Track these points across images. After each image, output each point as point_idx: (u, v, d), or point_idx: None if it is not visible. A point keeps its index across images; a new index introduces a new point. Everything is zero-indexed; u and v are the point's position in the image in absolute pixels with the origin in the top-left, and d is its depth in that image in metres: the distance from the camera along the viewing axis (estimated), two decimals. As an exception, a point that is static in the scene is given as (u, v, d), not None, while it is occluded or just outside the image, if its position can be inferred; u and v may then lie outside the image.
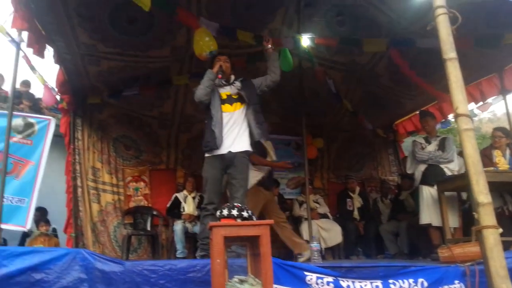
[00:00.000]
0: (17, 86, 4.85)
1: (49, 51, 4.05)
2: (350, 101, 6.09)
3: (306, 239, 4.70)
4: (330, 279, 2.83)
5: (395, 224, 5.59)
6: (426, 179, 4.36)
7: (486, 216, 2.00)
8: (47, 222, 5.65)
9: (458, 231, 4.05)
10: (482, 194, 2.01)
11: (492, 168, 3.73)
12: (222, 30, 3.93)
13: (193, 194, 5.70)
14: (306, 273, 2.83)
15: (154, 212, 5.76)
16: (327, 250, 5.35)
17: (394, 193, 6.44)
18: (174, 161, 6.41)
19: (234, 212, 2.38)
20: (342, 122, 6.87)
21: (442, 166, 4.31)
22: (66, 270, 2.72)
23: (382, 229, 5.73)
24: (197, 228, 5.28)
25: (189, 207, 5.56)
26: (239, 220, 2.35)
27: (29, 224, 4.95)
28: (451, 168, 4.31)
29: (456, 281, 2.92)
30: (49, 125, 5.13)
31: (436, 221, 4.16)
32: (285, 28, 4.58)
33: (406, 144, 7.79)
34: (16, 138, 4.85)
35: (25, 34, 3.72)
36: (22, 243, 5.80)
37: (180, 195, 5.71)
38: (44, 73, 5.10)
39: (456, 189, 4.01)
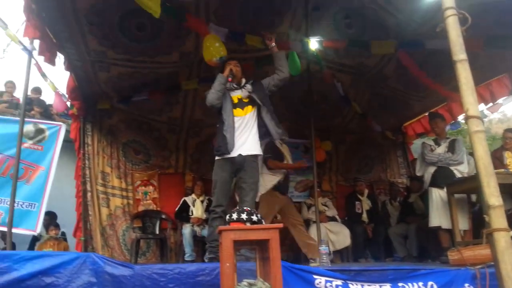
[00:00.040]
0: (28, 93, 4.92)
1: (60, 58, 4.11)
2: (358, 104, 6.08)
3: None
4: (339, 282, 2.82)
5: (404, 227, 5.56)
6: (436, 181, 4.33)
7: (497, 218, 1.98)
8: (57, 226, 5.70)
9: (468, 233, 4.02)
10: (493, 196, 1.99)
11: (503, 170, 3.69)
12: (231, 35, 3.94)
13: (201, 198, 5.73)
14: (315, 276, 2.82)
15: (163, 216, 5.79)
16: (336, 253, 5.32)
17: (403, 195, 6.41)
18: (182, 165, 6.45)
19: (244, 216, 2.39)
20: (351, 124, 6.85)
21: (451, 168, 4.29)
22: (76, 274, 2.74)
23: (391, 231, 5.70)
24: (205, 232, 5.30)
25: (197, 210, 5.58)
26: (248, 224, 2.36)
27: (39, 228, 5.01)
28: (461, 170, 4.28)
29: (466, 284, 2.89)
30: (60, 130, 5.21)
31: (445, 224, 4.13)
32: (293, 31, 4.58)
33: (415, 146, 7.74)
34: (27, 144, 4.93)
35: (36, 42, 3.80)
36: (31, 247, 5.86)
37: (188, 199, 5.73)
38: (55, 80, 5.16)
39: (466, 191, 3.97)
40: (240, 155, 3.52)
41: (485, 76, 5.45)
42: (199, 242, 5.54)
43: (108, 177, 5.72)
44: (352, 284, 2.83)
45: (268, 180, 4.42)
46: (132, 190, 5.99)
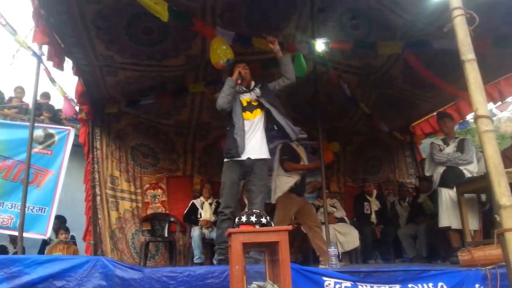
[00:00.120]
0: (38, 98, 4.97)
1: (68, 63, 4.15)
2: (365, 104, 6.06)
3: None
4: (348, 284, 2.81)
5: (414, 227, 5.52)
6: (445, 181, 4.30)
7: (509, 218, 1.96)
8: (67, 230, 5.75)
9: (478, 233, 3.98)
10: (504, 196, 1.97)
11: (513, 169, 3.65)
12: (238, 38, 3.96)
13: (210, 200, 5.75)
14: (324, 278, 2.82)
15: (172, 219, 5.82)
16: (344, 254, 5.30)
17: (412, 196, 6.37)
18: (190, 168, 6.47)
19: (253, 218, 2.40)
20: (358, 125, 6.83)
21: (461, 167, 4.25)
22: (86, 277, 2.76)
23: (400, 232, 5.67)
24: (214, 234, 5.31)
25: (206, 213, 5.60)
26: (257, 227, 2.36)
27: (49, 233, 5.06)
28: (470, 169, 4.25)
29: (477, 285, 2.87)
30: (69, 135, 5.26)
31: (455, 224, 4.09)
32: (299, 33, 4.59)
33: (424, 146, 7.69)
34: (37, 148, 4.98)
35: (45, 48, 3.84)
36: (41, 251, 5.91)
37: (197, 202, 5.76)
38: (63, 85, 5.22)
39: (475, 191, 3.94)
40: (249, 158, 3.53)
41: (494, 75, 5.41)
42: (207, 245, 5.56)
43: (117, 180, 5.76)
44: (362, 286, 2.82)
45: (285, 182, 4.42)
46: (141, 193, 6.03)
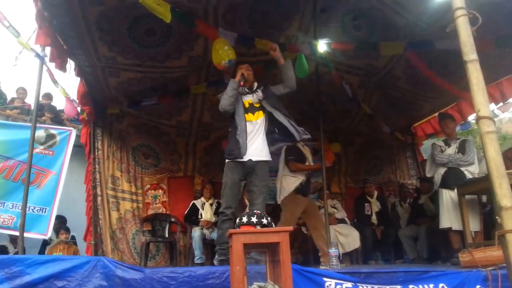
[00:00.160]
0: (40, 99, 4.99)
1: (70, 65, 4.15)
2: (367, 105, 6.06)
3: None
4: (349, 284, 2.81)
5: (414, 229, 5.52)
6: (446, 182, 4.29)
7: (510, 220, 1.96)
8: (67, 230, 5.75)
9: (479, 235, 3.97)
10: (505, 197, 1.97)
11: (515, 171, 3.65)
12: (240, 39, 3.96)
13: (210, 201, 5.75)
14: (325, 279, 2.82)
15: (172, 219, 5.82)
16: (345, 255, 5.30)
17: (413, 197, 6.36)
18: (192, 169, 6.48)
19: (254, 219, 2.40)
20: (359, 126, 6.83)
21: (462, 169, 4.25)
22: (87, 277, 2.76)
23: (401, 233, 5.66)
24: (214, 235, 5.32)
25: (206, 213, 5.60)
26: (258, 227, 2.36)
27: (49, 233, 5.07)
28: (472, 171, 4.24)
29: (478, 286, 2.86)
30: (70, 135, 5.27)
31: (456, 225, 4.09)
32: (301, 34, 4.59)
33: (425, 147, 7.69)
34: (38, 149, 4.99)
35: (47, 50, 3.85)
36: (42, 251, 5.92)
37: (197, 202, 5.76)
38: (65, 86, 5.23)
39: (476, 192, 3.93)
40: (251, 160, 3.54)
41: (495, 75, 5.40)
42: (208, 245, 5.56)
43: (118, 181, 5.77)
44: (362, 287, 2.81)
45: (290, 183, 4.42)
46: (142, 193, 6.04)
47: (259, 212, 2.50)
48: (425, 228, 5.20)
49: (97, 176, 5.47)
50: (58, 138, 5.21)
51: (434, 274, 2.95)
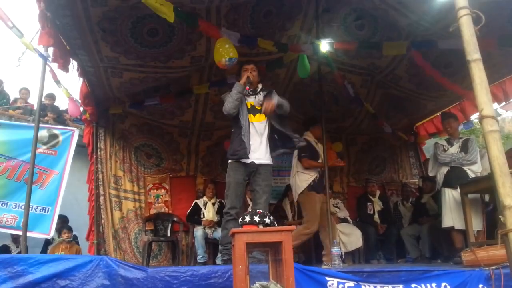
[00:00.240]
0: (43, 99, 5.00)
1: (73, 65, 4.16)
2: (369, 105, 6.05)
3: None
4: (352, 284, 2.81)
5: (417, 228, 5.52)
6: (449, 182, 4.29)
7: (513, 219, 1.96)
8: (70, 230, 5.77)
9: (482, 234, 3.96)
10: (508, 196, 1.97)
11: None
12: (243, 39, 3.96)
13: (213, 200, 5.76)
14: (327, 278, 2.82)
15: (175, 219, 5.83)
16: (347, 254, 5.30)
17: (415, 196, 6.36)
18: (194, 168, 6.48)
19: (256, 218, 2.40)
20: (362, 125, 6.82)
21: (464, 168, 4.24)
22: (90, 276, 2.78)
23: (403, 232, 5.66)
24: (217, 234, 5.33)
25: (209, 213, 5.60)
26: (261, 226, 2.37)
27: (52, 232, 5.09)
28: (474, 170, 4.23)
29: (481, 285, 2.85)
30: (73, 135, 5.30)
31: (459, 224, 4.08)
32: (303, 34, 4.58)
33: (428, 146, 7.67)
34: (41, 149, 5.01)
35: (50, 50, 3.86)
36: (44, 250, 5.95)
37: (200, 202, 5.77)
38: (68, 86, 5.25)
39: (479, 191, 3.93)
40: (253, 162, 3.56)
41: (499, 74, 5.39)
42: (210, 244, 5.58)
43: (121, 180, 5.79)
44: (365, 286, 2.81)
45: (303, 180, 4.43)
46: (144, 193, 6.05)
47: (261, 211, 2.51)
48: (428, 227, 5.19)
49: (100, 176, 5.48)
50: (60, 138, 5.23)
51: (437, 273, 2.95)
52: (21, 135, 5.00)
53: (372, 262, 5.43)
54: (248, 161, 3.54)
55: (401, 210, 6.30)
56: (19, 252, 4.70)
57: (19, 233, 4.42)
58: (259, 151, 3.58)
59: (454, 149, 4.39)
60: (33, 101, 7.64)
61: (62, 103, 7.83)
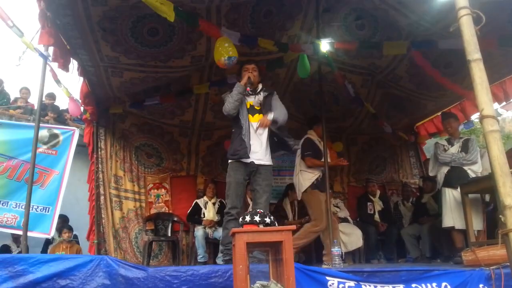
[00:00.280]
0: (43, 99, 5.00)
1: (73, 64, 4.16)
2: (370, 104, 6.05)
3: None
4: (352, 283, 2.81)
5: (417, 228, 5.52)
6: (449, 182, 4.29)
7: (513, 219, 1.96)
8: (70, 229, 5.78)
9: (482, 234, 3.96)
10: (509, 196, 1.97)
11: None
12: (243, 39, 3.96)
13: (213, 200, 5.76)
14: (327, 278, 2.82)
15: (175, 218, 5.84)
16: (348, 254, 5.30)
17: (415, 196, 6.36)
18: (194, 168, 6.49)
19: (257, 218, 2.40)
20: (362, 125, 6.83)
21: (465, 168, 4.24)
22: (90, 276, 2.78)
23: (403, 232, 5.66)
24: (217, 234, 5.34)
25: (209, 212, 5.61)
26: (261, 226, 2.37)
27: (53, 232, 5.09)
28: (475, 170, 4.23)
29: (481, 285, 2.86)
30: (73, 135, 5.30)
31: (459, 224, 4.08)
32: (304, 34, 4.58)
33: (428, 146, 7.67)
34: (42, 148, 5.01)
35: (51, 49, 3.86)
36: (44, 250, 5.95)
37: (200, 201, 5.77)
38: (68, 85, 5.25)
39: (480, 191, 3.93)
40: (253, 162, 3.56)
41: (499, 74, 5.39)
42: (211, 244, 5.58)
43: (121, 180, 5.79)
44: (365, 285, 2.81)
45: (307, 179, 4.43)
46: (145, 193, 6.05)
47: (262, 211, 2.51)
48: (428, 227, 5.19)
49: (100, 176, 5.48)
50: (61, 137, 5.23)
51: (437, 273, 2.95)
52: (21, 134, 5.01)
53: (373, 262, 5.43)
54: (248, 160, 3.53)
55: (401, 210, 6.30)
56: (20, 252, 4.70)
57: (20, 232, 4.42)
58: (259, 152, 3.59)
59: (454, 149, 4.39)
60: (34, 100, 7.65)
61: (62, 103, 7.84)
